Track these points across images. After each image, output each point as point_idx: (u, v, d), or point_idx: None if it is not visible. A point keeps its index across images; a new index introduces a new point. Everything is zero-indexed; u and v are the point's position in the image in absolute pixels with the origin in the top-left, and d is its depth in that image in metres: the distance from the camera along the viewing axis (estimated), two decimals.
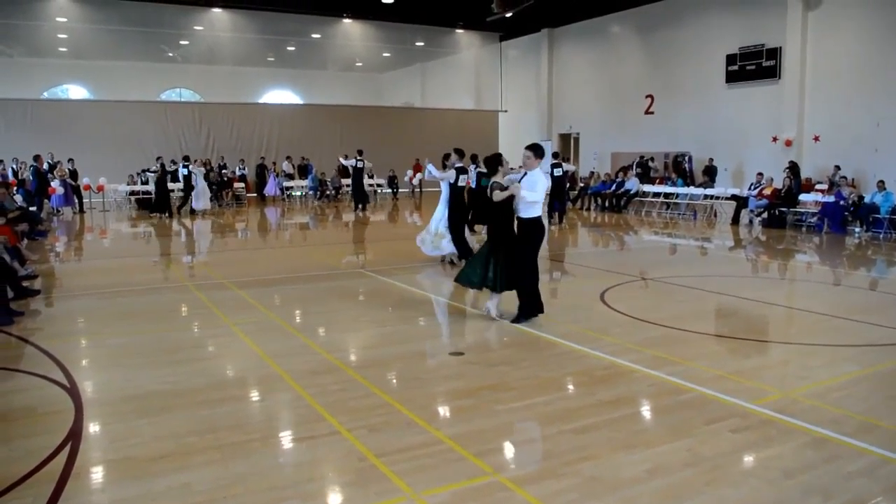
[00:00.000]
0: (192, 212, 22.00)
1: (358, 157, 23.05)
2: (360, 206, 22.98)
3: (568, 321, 7.54)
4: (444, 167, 11.70)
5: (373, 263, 11.57)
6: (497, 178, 7.38)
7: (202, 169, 22.98)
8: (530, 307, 7.45)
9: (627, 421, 4.75)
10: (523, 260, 7.24)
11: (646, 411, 4.98)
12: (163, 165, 22.06)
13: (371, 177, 28.97)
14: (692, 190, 21.09)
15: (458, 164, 11.57)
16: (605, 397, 5.16)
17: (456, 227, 11.26)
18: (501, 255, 7.26)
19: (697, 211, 20.30)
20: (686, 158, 23.93)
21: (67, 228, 18.78)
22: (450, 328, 7.43)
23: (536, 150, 7.31)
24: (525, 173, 7.33)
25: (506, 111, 34.04)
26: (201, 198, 22.48)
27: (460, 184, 11.39)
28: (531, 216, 7.15)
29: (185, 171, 22.52)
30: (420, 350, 6.46)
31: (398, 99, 37.61)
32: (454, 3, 27.37)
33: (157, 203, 21.73)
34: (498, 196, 7.15)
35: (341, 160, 24.22)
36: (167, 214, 21.15)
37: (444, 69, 35.93)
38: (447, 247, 11.26)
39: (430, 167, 11.67)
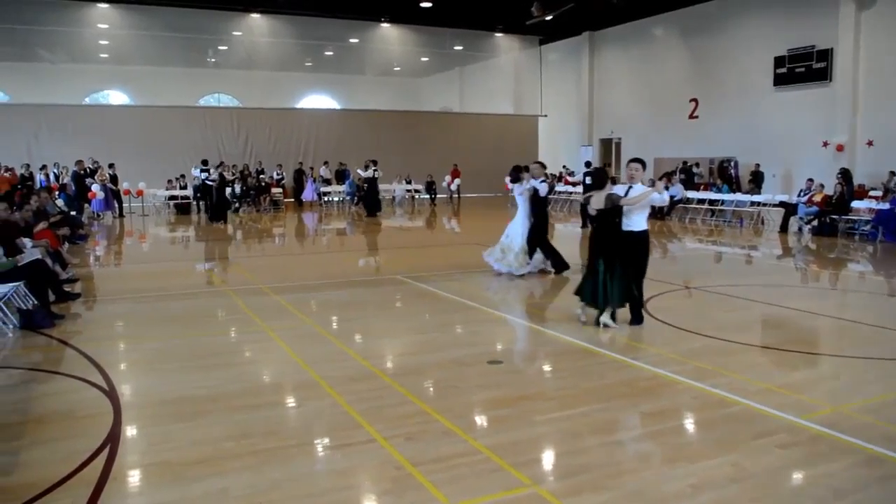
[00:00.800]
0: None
1: (374, 168, 23.42)
2: (374, 213, 23.33)
3: (610, 330, 7.47)
4: (517, 179, 11.33)
5: (410, 270, 11.58)
6: (602, 193, 7.49)
7: (196, 172, 22.83)
8: (639, 311, 7.69)
9: (671, 434, 4.66)
10: (641, 273, 7.54)
11: (689, 424, 4.89)
12: (222, 175, 21.77)
13: (409, 182, 29.13)
14: (738, 196, 20.74)
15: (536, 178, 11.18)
16: (647, 409, 5.08)
17: (542, 240, 11.09)
18: (616, 269, 7.33)
19: (744, 218, 19.99)
20: (731, 164, 23.58)
21: (107, 232, 19.14)
22: (488, 336, 7.39)
23: (643, 164, 7.64)
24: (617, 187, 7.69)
25: (545, 116, 33.91)
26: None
27: (541, 194, 11.06)
28: (643, 229, 7.51)
29: (202, 177, 22.59)
30: (457, 358, 6.42)
31: (436, 104, 37.73)
32: (493, 7, 27.35)
33: (216, 210, 21.35)
34: (630, 202, 7.33)
35: (360, 172, 24.16)
36: (223, 222, 20.92)
37: (482, 73, 35.91)
38: (514, 262, 10.82)
39: (534, 182, 11.01)
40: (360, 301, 9.28)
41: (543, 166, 11.49)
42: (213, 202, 21.69)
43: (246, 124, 29.58)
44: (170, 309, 8.87)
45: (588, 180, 16.47)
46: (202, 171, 21.52)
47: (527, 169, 11.33)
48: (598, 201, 7.43)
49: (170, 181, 25.63)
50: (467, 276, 11.10)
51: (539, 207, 11.08)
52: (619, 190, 7.53)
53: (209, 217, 21.30)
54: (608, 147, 31.32)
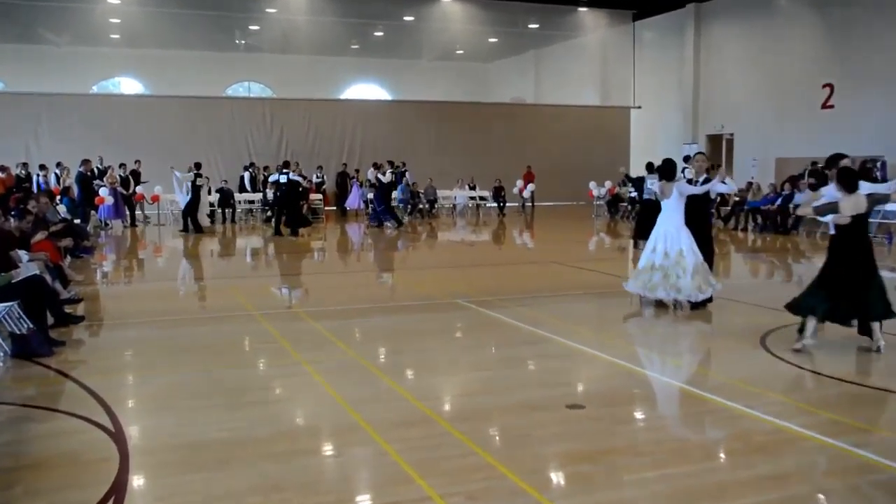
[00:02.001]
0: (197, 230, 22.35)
1: (390, 170, 23.69)
2: (386, 224, 23.47)
3: (719, 370, 7.34)
4: (670, 177, 10.11)
5: (473, 293, 11.60)
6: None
7: (189, 175, 22.69)
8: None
9: None
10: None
11: (822, 493, 4.75)
12: (290, 180, 21.47)
13: (472, 187, 29.23)
14: (888, 206, 20.04)
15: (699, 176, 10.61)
16: (765, 471, 4.96)
17: (710, 253, 10.49)
18: (875, 277, 7.82)
19: (893, 233, 19.38)
20: (877, 165, 22.90)
21: (117, 245, 19.68)
22: (567, 374, 7.37)
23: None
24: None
25: (639, 107, 33.80)
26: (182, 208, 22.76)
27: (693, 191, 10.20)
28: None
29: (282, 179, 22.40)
30: (529, 400, 6.40)
31: (507, 93, 37.86)
32: None
33: (292, 219, 21.20)
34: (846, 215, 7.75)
35: (380, 176, 24.23)
36: (292, 233, 20.78)
37: (562, 56, 35.94)
38: (690, 285, 9.81)
39: (719, 186, 10.28)
40: (413, 330, 9.34)
41: (706, 157, 11.51)
42: (291, 211, 21.69)
43: (280, 118, 30.18)
44: (188, 336, 9.06)
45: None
46: (283, 173, 21.34)
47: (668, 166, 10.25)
48: (853, 206, 7.73)
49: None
50: (542, 302, 11.09)
51: (701, 212, 10.41)
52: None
53: (290, 230, 20.87)
54: (717, 144, 30.93)
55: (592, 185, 27.50)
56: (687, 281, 9.78)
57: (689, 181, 10.42)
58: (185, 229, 21.94)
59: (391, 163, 24.33)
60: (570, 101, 33.98)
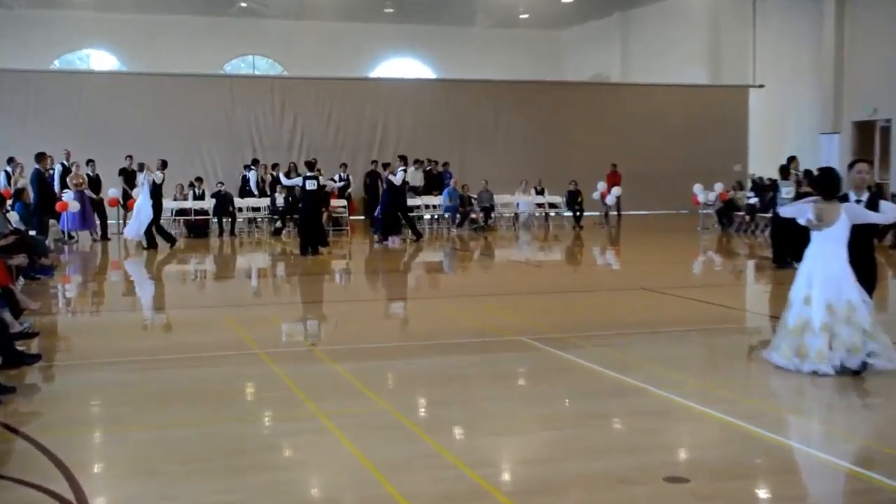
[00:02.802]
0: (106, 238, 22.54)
1: (403, 167, 23.83)
2: (388, 241, 23.46)
3: (872, 433, 7.23)
4: (833, 194, 9.15)
5: (541, 328, 11.61)
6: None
7: (157, 175, 22.35)
8: None
9: None
10: None
11: None
12: (320, 187, 21.54)
13: (540, 191, 29.20)
14: None
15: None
16: None
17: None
18: None
19: None
20: None
21: (84, 263, 20.06)
22: (665, 437, 7.32)
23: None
24: None
25: (761, 87, 33.65)
26: (136, 218, 22.24)
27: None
28: None
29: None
30: (616, 470, 6.33)
31: (586, 69, 37.82)
32: None
33: (307, 235, 20.97)
34: None
35: (390, 177, 24.14)
36: (311, 252, 20.59)
37: (658, 22, 35.72)
38: (881, 347, 8.93)
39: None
40: (463, 375, 9.27)
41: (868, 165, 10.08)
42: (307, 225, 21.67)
43: (293, 102, 30.61)
44: (174, 381, 9.11)
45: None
46: (308, 177, 21.04)
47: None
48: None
49: (180, 188, 26.67)
50: (631, 340, 11.06)
51: (865, 238, 9.56)
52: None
53: (309, 248, 20.64)
54: (867, 134, 30.62)
55: (698, 188, 27.36)
56: (880, 342, 8.90)
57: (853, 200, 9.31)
58: (152, 243, 22.03)
59: (403, 158, 24.14)
60: (667, 78, 33.92)
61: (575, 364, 9.64)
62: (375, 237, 23.96)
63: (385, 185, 24.36)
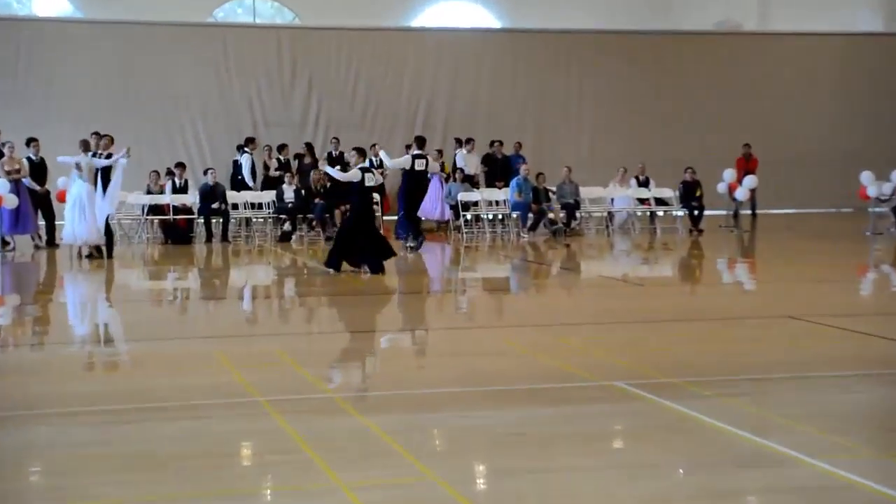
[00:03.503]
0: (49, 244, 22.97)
1: (417, 152, 23.97)
2: (408, 240, 24.23)
3: None
4: None
5: (646, 370, 11.49)
6: None
7: (121, 158, 22.31)
8: None
9: None
10: None
11: None
12: (375, 183, 21.72)
13: (643, 182, 29.05)
14: None
15: None
16: None
17: None
18: None
19: None
20: None
21: (18, 278, 20.37)
22: None
23: None
24: None
25: None
26: (87, 215, 22.08)
27: None
28: None
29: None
30: None
31: (706, 16, 37.61)
32: None
33: (364, 249, 20.42)
34: None
35: (386, 160, 24.67)
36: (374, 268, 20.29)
37: None
38: None
39: None
40: (537, 434, 9.07)
41: None
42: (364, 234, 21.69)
43: (307, 62, 31.12)
44: (145, 440, 8.87)
45: None
46: (366, 169, 20.71)
47: None
48: None
49: (155, 177, 27.03)
50: (772, 389, 10.91)
51: None
52: None
53: (329, 260, 20.40)
54: None
55: (866, 177, 27.25)
56: None
57: None
58: (97, 252, 22.31)
59: (420, 141, 24.24)
60: (822, 25, 33.81)
61: (692, 421, 9.44)
62: (404, 242, 24.51)
63: (402, 175, 24.58)
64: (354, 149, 21.52)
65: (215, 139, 29.56)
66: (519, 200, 27.47)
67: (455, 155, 28.94)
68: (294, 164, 28.80)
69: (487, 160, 29.57)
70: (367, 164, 20.79)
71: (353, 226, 20.64)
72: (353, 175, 20.71)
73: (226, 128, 29.59)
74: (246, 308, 17.95)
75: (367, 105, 31.00)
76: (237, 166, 28.45)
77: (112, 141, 22.25)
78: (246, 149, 28.53)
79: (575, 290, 20.40)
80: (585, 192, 28.68)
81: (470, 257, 23.51)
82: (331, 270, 19.98)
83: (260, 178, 28.61)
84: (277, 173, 28.47)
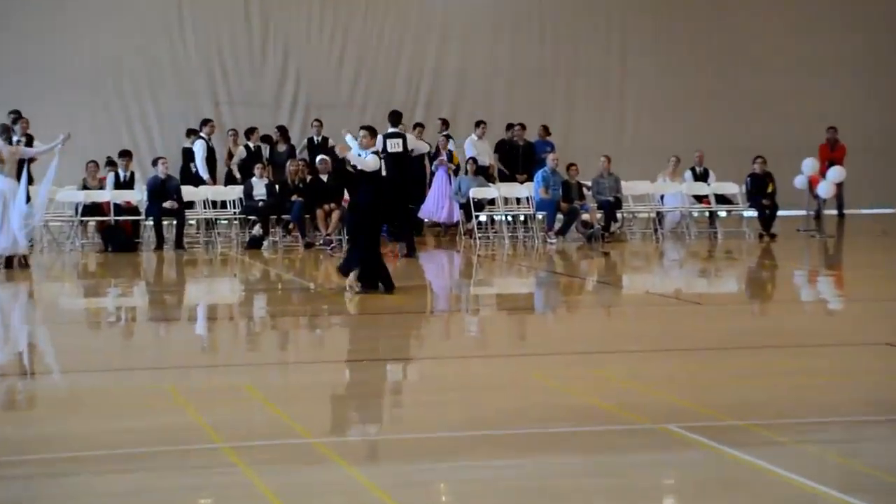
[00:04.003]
0: None
1: (391, 131, 24.03)
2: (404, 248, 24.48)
3: None
4: None
5: (701, 409, 11.48)
6: None
7: (58, 145, 22.57)
8: None
9: None
10: None
11: None
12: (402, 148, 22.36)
13: (700, 175, 29.06)
14: None
15: None
16: None
17: None
18: None
19: None
20: None
21: None
22: None
23: None
24: None
25: None
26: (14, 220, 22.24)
27: None
28: None
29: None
30: None
31: None
32: None
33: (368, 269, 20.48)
34: None
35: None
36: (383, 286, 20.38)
37: None
38: None
39: None
40: (571, 488, 9.03)
41: None
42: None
43: (281, 25, 31.38)
44: (78, 496, 8.90)
45: None
46: (391, 135, 21.01)
47: None
48: None
49: (92, 169, 27.07)
50: (867, 433, 10.87)
51: None
52: None
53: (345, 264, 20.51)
54: None
55: None
56: None
57: None
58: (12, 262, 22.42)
59: (395, 116, 24.25)
60: None
61: (763, 474, 9.40)
62: (398, 249, 24.85)
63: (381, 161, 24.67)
64: (364, 128, 21.61)
65: (167, 121, 29.68)
66: (545, 198, 27.56)
67: (467, 140, 28.99)
68: (265, 152, 28.95)
69: (504, 148, 29.87)
70: (397, 129, 21.11)
71: (372, 228, 20.50)
72: (373, 162, 20.53)
73: (181, 107, 29.62)
74: (205, 332, 18.01)
75: (358, 80, 31.31)
76: (187, 155, 28.60)
77: (28, 124, 22.31)
78: (201, 133, 28.67)
79: (615, 309, 20.44)
80: (628, 188, 28.92)
81: (484, 268, 23.60)
82: (355, 285, 19.88)
83: (223, 170, 28.80)
84: (240, 161, 28.86)
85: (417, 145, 25.26)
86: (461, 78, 31.56)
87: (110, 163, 26.85)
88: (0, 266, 22.13)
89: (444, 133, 29.80)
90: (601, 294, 21.91)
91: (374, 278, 19.94)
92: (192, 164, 28.49)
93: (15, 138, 21.97)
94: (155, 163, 27.21)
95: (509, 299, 21.05)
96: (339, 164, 23.52)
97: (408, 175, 25.45)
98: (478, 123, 28.60)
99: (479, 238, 28.04)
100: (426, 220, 28.68)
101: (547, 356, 15.55)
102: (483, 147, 29.13)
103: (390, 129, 22.83)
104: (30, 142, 23.07)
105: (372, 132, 20.50)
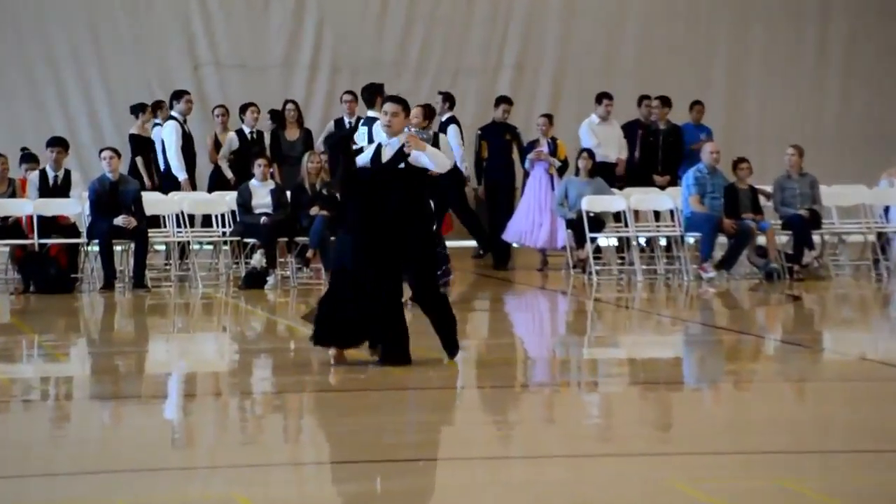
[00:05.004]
0: None
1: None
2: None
3: None
4: None
5: None
6: None
7: None
8: None
9: None
10: None
11: None
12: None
13: None
14: None
15: None
16: None
17: None
18: None
19: None
20: None
21: None
22: None
23: None
24: None
25: None
26: None
27: None
28: None
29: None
30: None
31: None
32: None
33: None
34: None
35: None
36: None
37: None
38: None
39: None
40: None
41: None
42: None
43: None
44: None
45: None
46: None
47: None
48: None
49: (1, 162, 27.16)
50: None
51: None
52: None
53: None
54: None
55: None
56: None
57: None
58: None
59: (447, 99, 24.38)
60: None
61: None
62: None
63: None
64: (422, 106, 21.71)
65: (120, 93, 29.67)
66: (699, 211, 27.55)
67: (581, 127, 29.05)
68: (269, 141, 29.19)
69: (634, 133, 30.19)
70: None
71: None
72: (446, 159, 20.77)
73: (139, 73, 29.72)
74: (178, 417, 17.82)
75: (408, 34, 31.72)
76: (141, 145, 29.00)
77: None
78: (172, 112, 28.94)
79: (811, 386, 19.93)
80: (830, 195, 28.85)
81: (605, 319, 23.59)
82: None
83: (206, 167, 29.27)
84: (231, 155, 29.30)
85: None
86: (567, 32, 31.83)
87: (28, 157, 26.79)
88: None
89: (544, 115, 30.13)
90: (788, 361, 21.36)
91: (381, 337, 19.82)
92: (139, 161, 28.92)
93: None
94: (101, 155, 27.08)
95: (642, 368, 20.69)
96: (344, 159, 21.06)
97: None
98: (600, 98, 28.91)
99: (597, 272, 28.23)
100: (516, 244, 28.80)
101: (699, 456, 15.17)
102: (609, 134, 29.41)
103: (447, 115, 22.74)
104: None
105: (430, 112, 20.66)
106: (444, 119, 27.81)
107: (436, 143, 25.42)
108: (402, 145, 19.35)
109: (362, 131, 24.13)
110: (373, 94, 23.85)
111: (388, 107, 19.93)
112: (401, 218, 19.31)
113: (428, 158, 19.57)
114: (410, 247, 19.22)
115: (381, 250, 19.20)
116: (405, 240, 19.21)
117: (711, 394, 19.34)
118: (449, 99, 28.14)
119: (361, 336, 19.59)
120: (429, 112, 20.25)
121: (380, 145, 19.87)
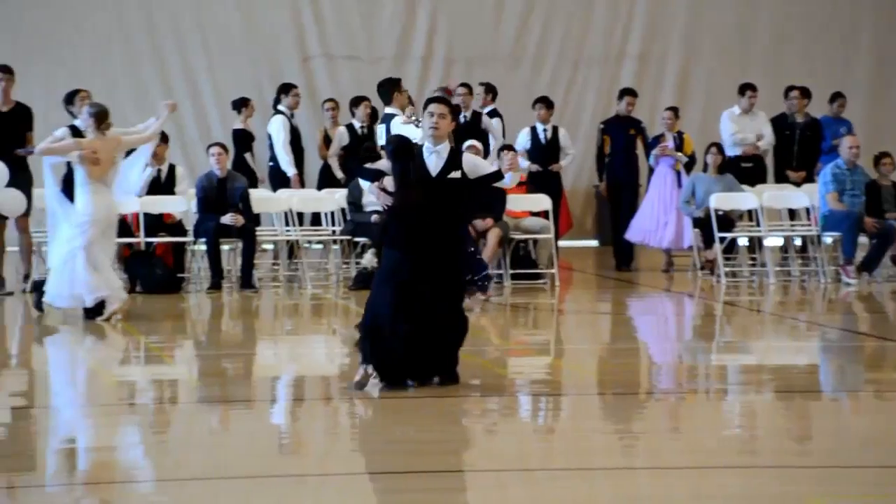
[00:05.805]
0: None
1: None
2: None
3: None
4: None
5: None
6: None
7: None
8: None
9: None
10: None
11: None
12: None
13: None
14: None
15: None
16: None
17: None
18: None
19: None
20: None
21: None
22: None
23: None
24: None
25: None
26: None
27: None
28: None
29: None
30: None
31: None
32: None
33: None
34: None
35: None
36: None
37: None
38: None
39: None
40: None
41: None
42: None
43: None
44: None
45: None
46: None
47: None
48: None
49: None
50: None
51: None
52: None
53: None
54: None
55: None
56: None
57: None
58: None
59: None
60: None
61: None
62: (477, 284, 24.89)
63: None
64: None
65: (227, 87, 29.45)
66: (838, 209, 27.17)
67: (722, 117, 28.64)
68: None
69: (784, 126, 29.65)
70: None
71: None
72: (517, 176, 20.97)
73: (247, 67, 29.58)
74: (286, 422, 17.57)
75: (525, 23, 31.35)
76: (244, 140, 28.73)
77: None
78: (280, 106, 28.90)
79: None
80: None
81: (735, 324, 23.09)
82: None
83: (314, 163, 29.24)
84: (341, 151, 29.07)
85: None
86: (694, 19, 31.51)
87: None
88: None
89: (670, 107, 30.00)
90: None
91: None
92: (247, 155, 28.96)
93: (83, 120, 21.95)
94: (209, 151, 27.38)
95: (775, 375, 20.38)
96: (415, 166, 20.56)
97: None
98: (743, 89, 28.60)
99: (727, 274, 28.01)
100: (639, 244, 28.59)
101: (834, 470, 14.72)
102: (749, 124, 29.21)
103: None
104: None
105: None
106: (487, 111, 27.88)
107: (476, 125, 27.78)
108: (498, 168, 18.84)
109: (380, 129, 24.86)
110: (389, 89, 23.88)
111: (435, 107, 18.24)
112: (445, 235, 18.78)
113: (511, 176, 18.83)
114: (447, 264, 18.83)
115: (432, 268, 18.57)
116: (446, 258, 18.74)
117: (850, 403, 18.87)
118: (491, 90, 28.20)
119: (407, 373, 19.21)
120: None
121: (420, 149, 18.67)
